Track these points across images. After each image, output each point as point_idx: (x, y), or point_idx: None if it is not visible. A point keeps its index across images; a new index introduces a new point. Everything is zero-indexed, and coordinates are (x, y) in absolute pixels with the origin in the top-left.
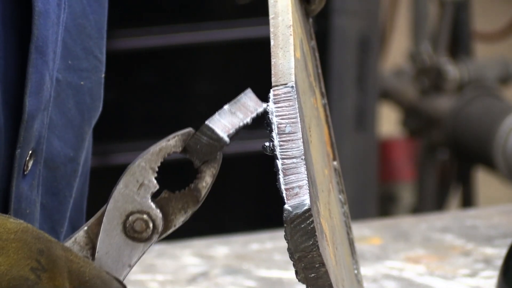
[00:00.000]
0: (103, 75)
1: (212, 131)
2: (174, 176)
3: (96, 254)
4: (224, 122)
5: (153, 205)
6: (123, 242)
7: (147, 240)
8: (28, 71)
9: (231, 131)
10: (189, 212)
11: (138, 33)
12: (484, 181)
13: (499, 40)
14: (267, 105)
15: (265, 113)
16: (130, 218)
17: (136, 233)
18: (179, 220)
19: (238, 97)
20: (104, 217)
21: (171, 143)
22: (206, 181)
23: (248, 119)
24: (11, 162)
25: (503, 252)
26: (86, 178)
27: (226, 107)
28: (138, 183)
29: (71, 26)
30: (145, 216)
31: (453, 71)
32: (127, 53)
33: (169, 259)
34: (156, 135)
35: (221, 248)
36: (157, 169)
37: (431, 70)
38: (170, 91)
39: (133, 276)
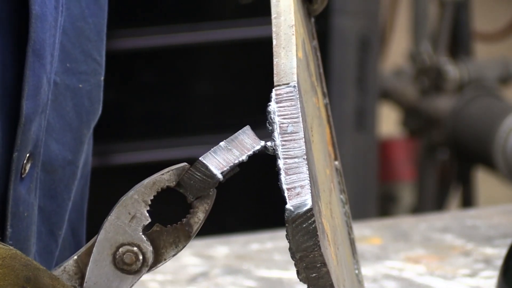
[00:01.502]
0: (102, 78)
1: (206, 167)
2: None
3: (84, 284)
4: (219, 159)
5: (144, 238)
6: (112, 273)
7: (136, 272)
8: (25, 74)
9: (225, 169)
10: (180, 247)
11: (138, 33)
12: (484, 181)
13: (499, 40)
14: (269, 105)
15: (267, 113)
16: (121, 249)
17: (126, 265)
18: (170, 254)
19: (236, 134)
20: (95, 248)
21: (165, 177)
22: (198, 216)
23: (244, 157)
24: (8, 166)
25: (503, 252)
26: (86, 180)
27: (222, 143)
28: (130, 215)
29: (69, 29)
30: (135, 249)
31: (453, 71)
32: (127, 53)
33: None
34: (156, 135)
35: (221, 248)
36: (149, 202)
37: (431, 70)
38: (170, 91)
39: None
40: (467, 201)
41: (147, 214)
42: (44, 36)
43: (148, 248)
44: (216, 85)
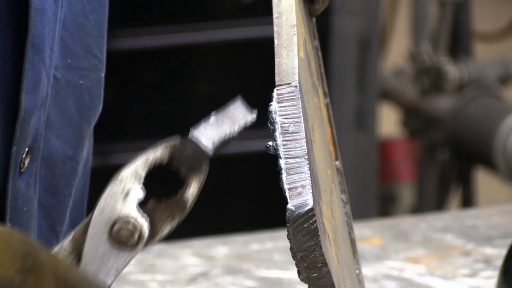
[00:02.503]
0: (103, 74)
1: (197, 141)
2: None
3: (82, 261)
4: (210, 133)
5: (139, 213)
6: (108, 250)
7: (132, 248)
8: (24, 68)
9: (216, 143)
10: (176, 221)
11: (138, 33)
12: (484, 181)
13: (499, 40)
14: (270, 105)
15: (268, 113)
16: (116, 226)
17: (122, 241)
18: (166, 229)
19: (227, 107)
20: (90, 225)
21: (158, 152)
22: (192, 189)
23: (235, 129)
24: (7, 160)
25: (503, 252)
26: (87, 179)
27: (213, 117)
28: (124, 192)
29: (70, 24)
30: (130, 224)
31: (453, 71)
32: (127, 53)
33: (169, 259)
34: (156, 135)
35: (221, 248)
36: (143, 178)
37: (431, 70)
38: (170, 91)
39: (133, 276)
40: (467, 201)
41: (141, 190)
42: (43, 30)
43: (144, 223)
44: (216, 85)
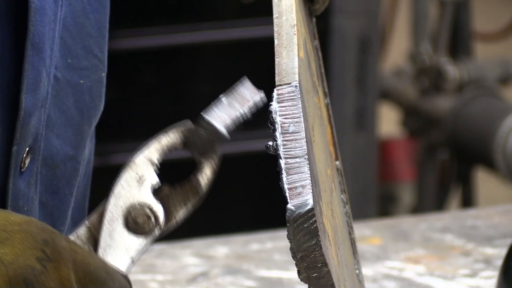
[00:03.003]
0: (103, 74)
1: (209, 124)
2: (175, 171)
3: (98, 248)
4: (221, 114)
5: (154, 199)
6: (125, 235)
7: (149, 233)
8: (24, 68)
9: (228, 123)
10: (189, 205)
11: (138, 33)
12: (484, 181)
13: (499, 40)
14: (270, 105)
15: (268, 113)
16: (132, 211)
17: (138, 227)
18: (180, 213)
19: (235, 87)
20: (106, 211)
21: (170, 137)
22: (206, 173)
23: (245, 109)
24: (8, 159)
25: (503, 252)
26: (88, 179)
27: (223, 98)
28: (138, 177)
29: (71, 24)
30: (146, 210)
31: (453, 71)
32: (127, 53)
33: (169, 259)
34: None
35: (221, 248)
36: (157, 163)
37: (431, 70)
38: (170, 91)
39: (133, 276)
40: (467, 201)
41: (156, 175)
42: (43, 29)
43: (159, 208)
44: (216, 85)
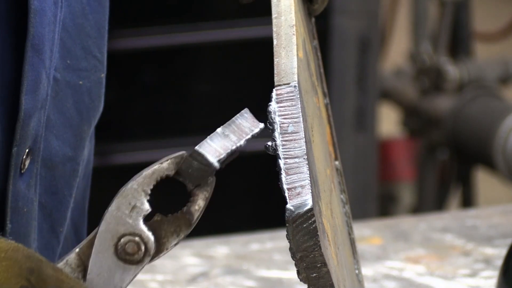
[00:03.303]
0: (103, 75)
1: (202, 156)
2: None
3: (87, 276)
4: (215, 146)
5: (145, 228)
6: (114, 264)
7: (138, 262)
8: (24, 69)
9: (222, 156)
10: (182, 236)
11: (138, 33)
12: (484, 181)
13: (499, 40)
14: (269, 105)
15: (267, 113)
16: (122, 240)
17: (128, 256)
18: (171, 243)
19: (233, 118)
20: (96, 239)
21: (164, 166)
22: (198, 204)
23: (242, 142)
24: (8, 161)
25: (503, 252)
26: (88, 180)
27: (219, 129)
28: (130, 206)
29: (70, 25)
30: (137, 239)
31: (453, 71)
32: (127, 53)
33: (169, 259)
34: (156, 135)
35: (221, 248)
36: (149, 192)
37: (431, 70)
38: (170, 91)
39: None
40: (467, 201)
41: (148, 204)
42: (43, 31)
43: (150, 237)
44: (216, 85)
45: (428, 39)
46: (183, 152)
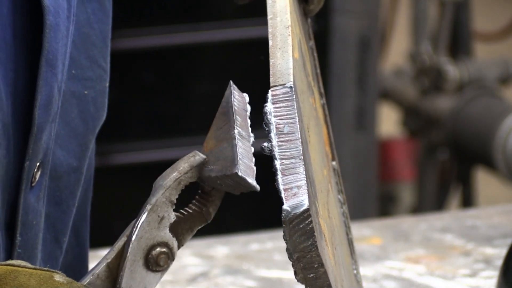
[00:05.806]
0: (107, 84)
1: (245, 181)
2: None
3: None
4: (247, 162)
5: (170, 235)
6: (144, 274)
7: (166, 268)
8: (38, 84)
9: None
10: (195, 231)
11: (138, 33)
12: (484, 181)
13: (499, 40)
14: (265, 106)
15: (263, 114)
16: (153, 252)
17: (158, 265)
18: (187, 239)
19: (231, 102)
20: (129, 254)
21: (188, 175)
22: (216, 204)
23: (252, 138)
24: (19, 174)
25: (503, 252)
26: (89, 184)
27: (236, 134)
28: (159, 218)
29: (75, 35)
30: (165, 249)
31: (453, 71)
32: (127, 53)
33: None
34: (156, 135)
35: (221, 248)
36: (175, 201)
37: (431, 70)
38: (170, 91)
39: None
40: (467, 201)
41: (173, 214)
42: (57, 45)
43: (175, 244)
44: (216, 85)
45: (428, 39)
46: (203, 157)
